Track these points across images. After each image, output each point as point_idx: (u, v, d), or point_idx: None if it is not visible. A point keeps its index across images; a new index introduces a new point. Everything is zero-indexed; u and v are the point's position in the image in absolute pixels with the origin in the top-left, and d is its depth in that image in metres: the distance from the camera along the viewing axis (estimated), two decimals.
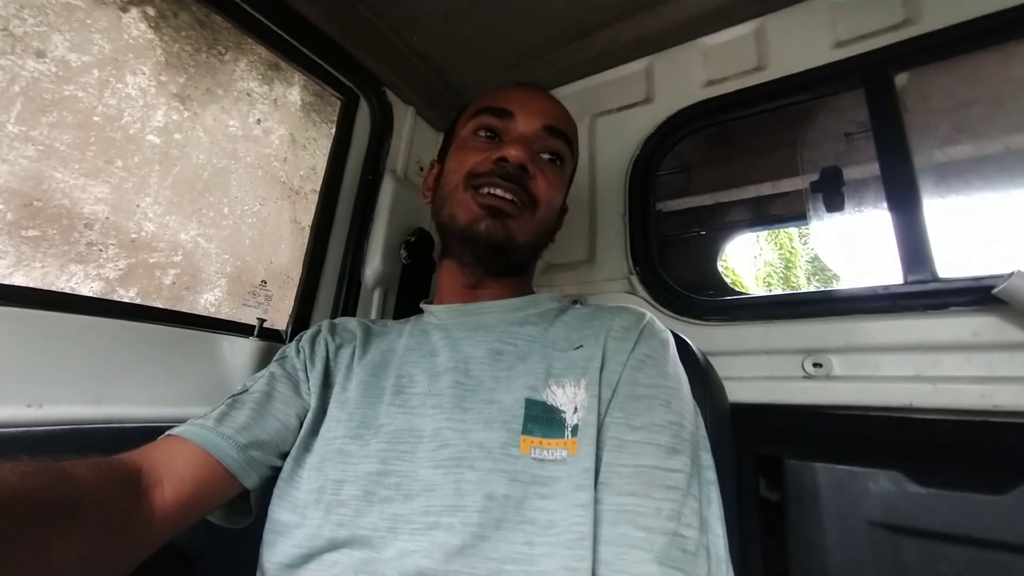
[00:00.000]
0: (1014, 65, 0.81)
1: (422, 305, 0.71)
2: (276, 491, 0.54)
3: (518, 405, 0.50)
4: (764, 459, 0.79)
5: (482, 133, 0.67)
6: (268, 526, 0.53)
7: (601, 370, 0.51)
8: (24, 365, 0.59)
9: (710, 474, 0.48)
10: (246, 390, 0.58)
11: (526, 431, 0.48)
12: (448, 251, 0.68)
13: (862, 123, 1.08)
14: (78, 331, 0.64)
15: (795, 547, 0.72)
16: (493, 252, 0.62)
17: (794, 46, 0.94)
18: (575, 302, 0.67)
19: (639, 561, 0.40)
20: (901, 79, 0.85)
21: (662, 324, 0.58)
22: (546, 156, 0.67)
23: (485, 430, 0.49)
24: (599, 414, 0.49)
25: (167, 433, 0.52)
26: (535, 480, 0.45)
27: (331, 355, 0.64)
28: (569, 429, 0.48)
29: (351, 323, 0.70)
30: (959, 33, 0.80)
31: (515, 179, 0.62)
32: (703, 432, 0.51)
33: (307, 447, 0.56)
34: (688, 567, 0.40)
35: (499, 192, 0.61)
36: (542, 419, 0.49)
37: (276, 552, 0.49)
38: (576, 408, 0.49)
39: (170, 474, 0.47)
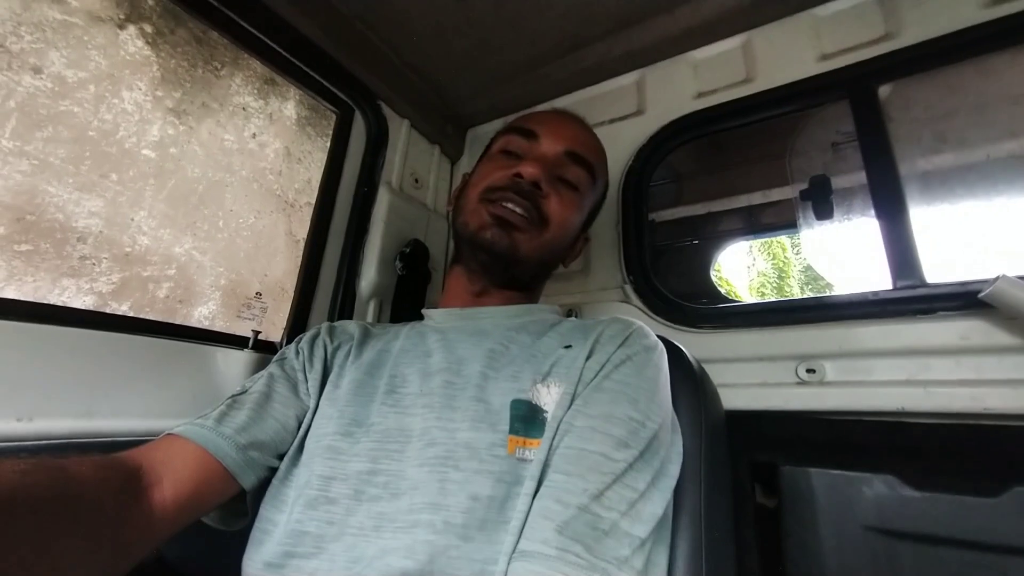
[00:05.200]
0: (992, 77, 0.84)
1: (423, 311, 0.72)
2: (269, 490, 0.54)
3: (505, 406, 0.50)
4: (759, 465, 0.79)
5: (508, 151, 0.71)
6: (256, 524, 0.52)
7: (582, 370, 0.52)
8: (15, 378, 0.58)
9: (668, 481, 0.47)
10: (245, 391, 0.58)
11: (513, 431, 0.48)
12: (459, 257, 0.72)
13: (848, 133, 1.11)
14: (70, 343, 0.63)
15: (792, 553, 0.72)
16: (496, 261, 0.64)
17: (780, 59, 0.96)
18: (569, 312, 0.68)
19: (542, 528, 0.40)
20: (884, 90, 0.87)
21: (655, 335, 0.58)
22: (565, 180, 0.69)
23: (472, 430, 0.49)
24: (567, 409, 0.49)
25: (167, 432, 0.52)
26: (517, 480, 0.46)
27: (329, 356, 0.64)
28: (546, 427, 0.48)
29: (350, 325, 0.71)
30: (937, 47, 0.82)
31: (528, 196, 0.64)
32: (677, 448, 0.51)
33: (302, 447, 0.55)
34: (592, 542, 0.39)
35: (510, 206, 0.64)
36: (527, 418, 0.49)
37: (261, 551, 0.49)
38: (555, 406, 0.50)
39: (170, 473, 0.47)
